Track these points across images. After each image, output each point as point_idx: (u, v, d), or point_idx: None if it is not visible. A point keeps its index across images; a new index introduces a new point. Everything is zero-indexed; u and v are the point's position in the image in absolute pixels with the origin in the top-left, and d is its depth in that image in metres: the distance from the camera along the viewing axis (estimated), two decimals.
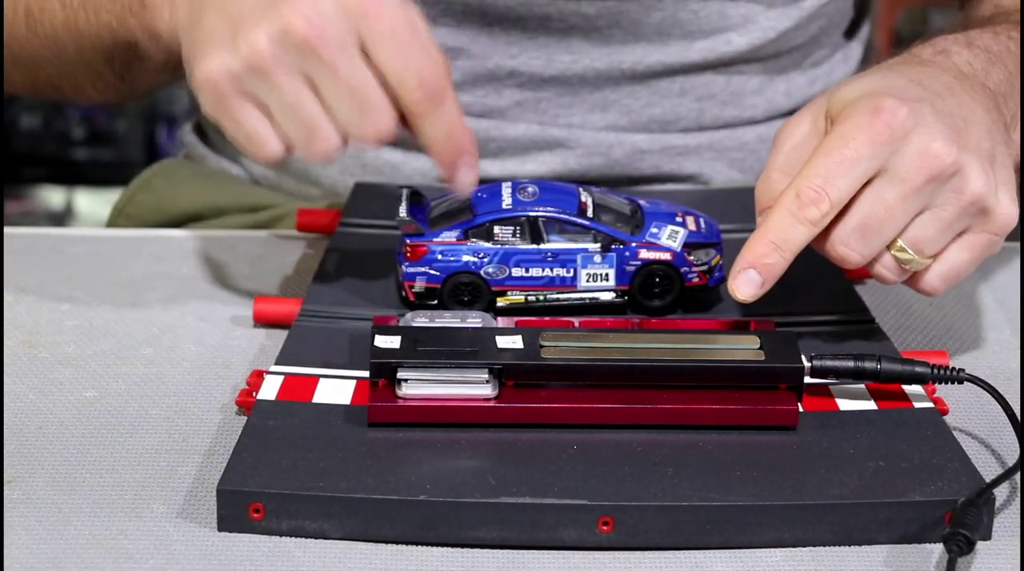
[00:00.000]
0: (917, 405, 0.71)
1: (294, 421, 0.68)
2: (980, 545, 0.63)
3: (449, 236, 0.77)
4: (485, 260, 0.77)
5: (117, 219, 1.09)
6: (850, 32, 1.09)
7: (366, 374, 0.70)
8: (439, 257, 0.77)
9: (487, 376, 0.68)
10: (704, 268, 0.78)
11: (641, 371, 0.69)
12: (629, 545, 0.62)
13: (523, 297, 0.77)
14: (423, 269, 0.77)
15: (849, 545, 0.63)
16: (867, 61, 1.11)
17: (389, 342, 0.69)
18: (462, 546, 0.62)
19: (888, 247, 0.72)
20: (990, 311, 0.86)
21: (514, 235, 0.77)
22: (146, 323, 0.82)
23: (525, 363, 0.68)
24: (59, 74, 0.93)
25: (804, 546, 0.63)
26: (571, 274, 0.77)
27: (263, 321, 0.82)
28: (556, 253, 0.77)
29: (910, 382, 0.70)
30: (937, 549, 0.63)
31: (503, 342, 0.70)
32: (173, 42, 0.78)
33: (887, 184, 0.70)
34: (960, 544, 0.60)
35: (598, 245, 0.77)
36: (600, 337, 0.71)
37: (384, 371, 0.68)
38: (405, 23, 0.69)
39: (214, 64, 0.70)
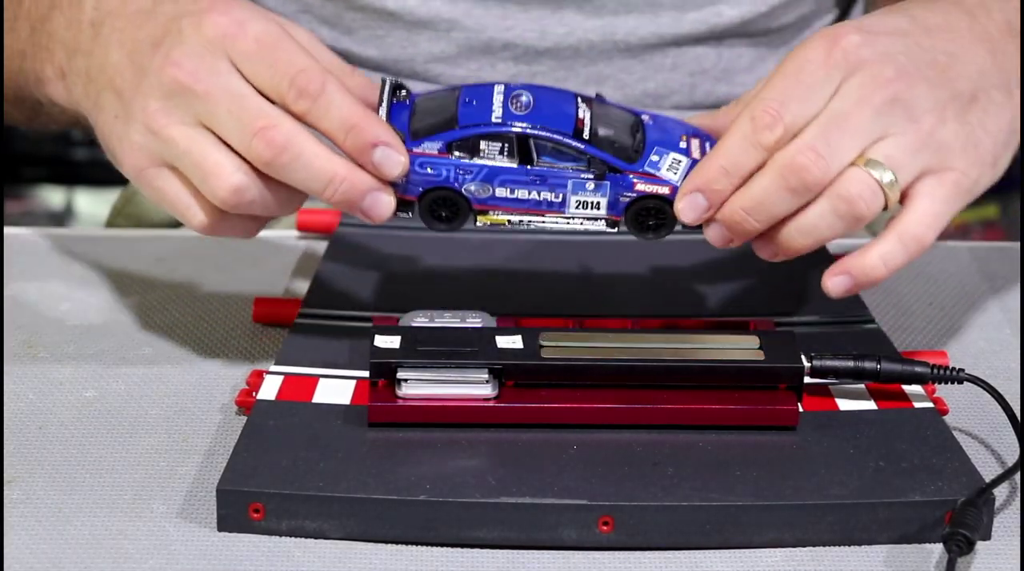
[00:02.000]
0: (917, 405, 0.71)
1: (294, 421, 0.68)
2: (980, 545, 0.63)
3: (431, 147, 0.70)
4: (468, 177, 0.71)
5: (117, 219, 1.09)
6: (841, 17, 1.10)
7: (366, 374, 0.70)
8: (418, 168, 0.70)
9: (487, 376, 0.68)
10: None
11: (641, 371, 0.69)
12: (629, 545, 0.62)
13: (506, 218, 0.72)
14: (399, 180, 0.70)
15: (849, 545, 0.63)
16: None
17: (389, 342, 0.69)
18: (462, 546, 0.62)
19: (855, 162, 0.68)
20: (990, 311, 0.86)
21: (501, 153, 0.70)
22: (146, 323, 0.82)
23: (525, 363, 0.68)
24: None
25: (804, 546, 0.63)
26: (559, 199, 0.71)
27: (263, 321, 0.82)
28: (545, 176, 0.71)
29: (910, 382, 0.70)
30: (937, 549, 0.63)
31: (503, 342, 0.70)
32: (77, 113, 0.78)
33: (841, 100, 0.68)
34: (960, 544, 0.60)
35: (592, 171, 0.71)
36: (600, 337, 0.71)
37: (384, 371, 0.68)
38: (266, 35, 0.69)
39: (129, 146, 0.71)
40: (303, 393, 0.70)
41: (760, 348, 0.70)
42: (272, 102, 0.69)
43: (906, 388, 0.72)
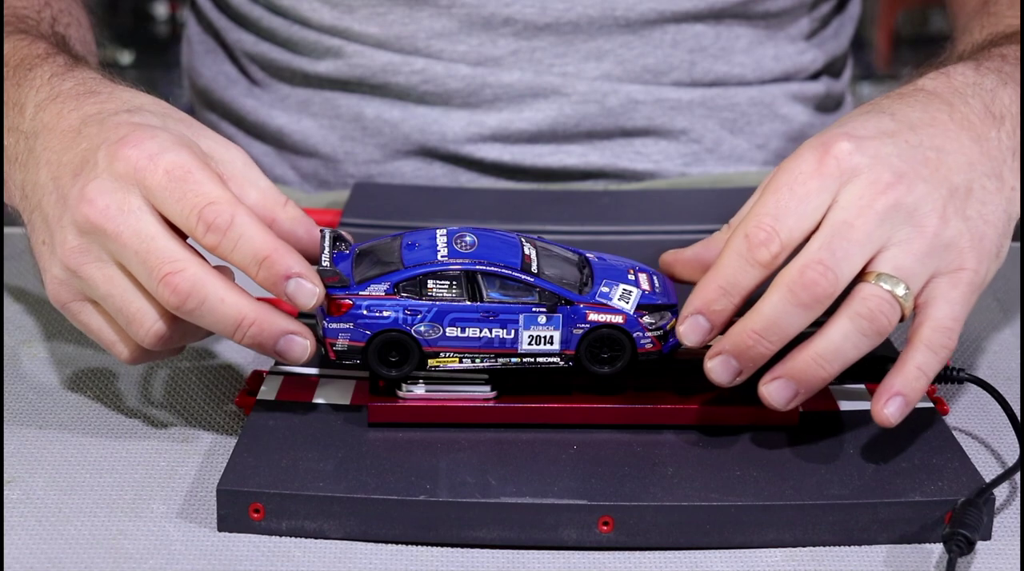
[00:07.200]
0: (917, 405, 0.71)
1: (294, 421, 0.68)
2: (980, 545, 0.63)
3: (377, 289, 0.68)
4: (417, 317, 0.68)
5: None
6: (839, 7, 1.12)
7: (366, 374, 0.70)
8: (364, 313, 0.68)
9: (487, 376, 0.68)
10: (658, 333, 0.69)
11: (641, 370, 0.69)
12: (629, 545, 0.62)
13: (458, 359, 0.69)
14: (346, 325, 0.68)
15: (849, 545, 0.63)
16: (861, 48, 1.13)
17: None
18: (462, 546, 0.62)
19: (865, 277, 0.66)
20: (990, 311, 0.86)
21: (450, 290, 0.68)
22: None
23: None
24: None
25: (804, 546, 0.63)
26: (512, 336, 0.68)
27: None
28: (496, 311, 0.68)
29: None
30: (937, 549, 0.63)
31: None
32: (18, 216, 0.76)
33: (842, 210, 0.66)
34: (960, 544, 0.60)
35: (543, 305, 0.68)
36: None
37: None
38: (176, 168, 0.67)
39: (51, 278, 0.69)
40: (303, 393, 0.70)
41: None
42: (186, 237, 0.67)
43: None
